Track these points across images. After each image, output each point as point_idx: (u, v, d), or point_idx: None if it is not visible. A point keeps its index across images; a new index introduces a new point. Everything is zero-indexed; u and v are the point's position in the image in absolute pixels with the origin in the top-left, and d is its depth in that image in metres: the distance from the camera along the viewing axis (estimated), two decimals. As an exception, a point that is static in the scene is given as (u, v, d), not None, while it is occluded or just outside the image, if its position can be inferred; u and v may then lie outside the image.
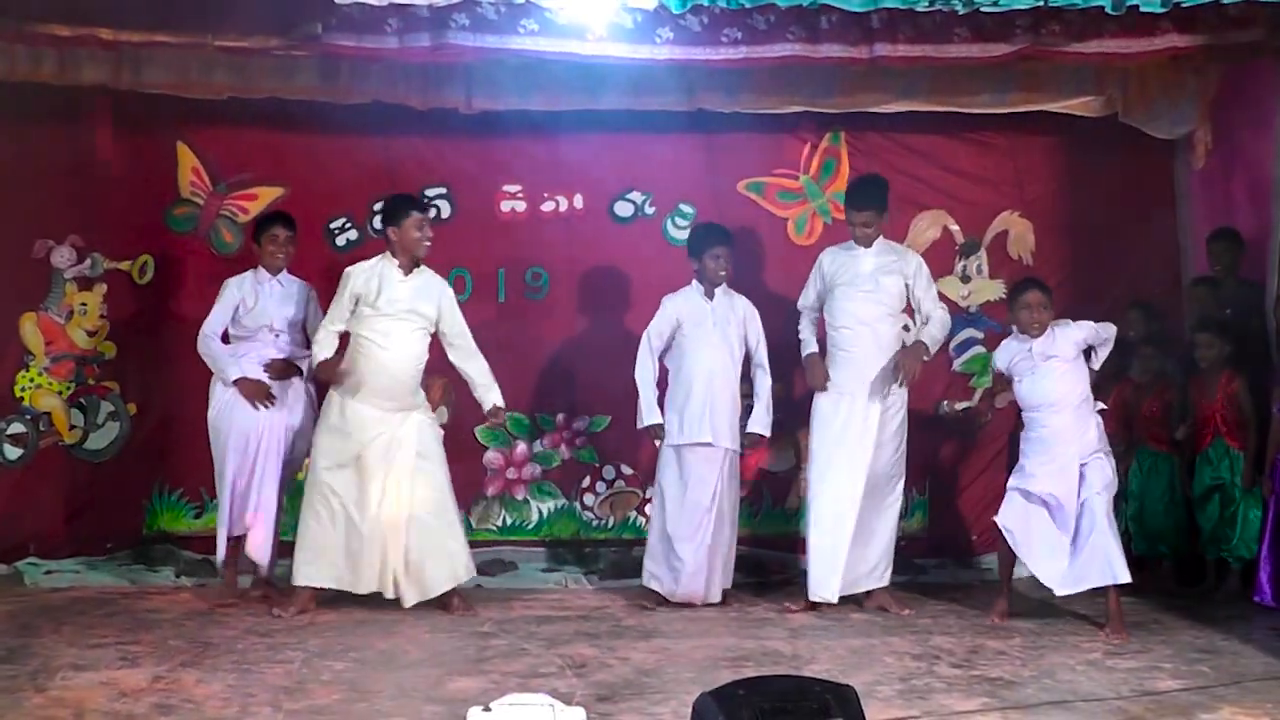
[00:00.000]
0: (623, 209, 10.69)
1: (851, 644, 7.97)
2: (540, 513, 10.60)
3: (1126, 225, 10.57)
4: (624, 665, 7.36)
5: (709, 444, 9.16)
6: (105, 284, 10.40)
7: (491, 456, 10.59)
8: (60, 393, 10.31)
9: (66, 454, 10.35)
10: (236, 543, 9.27)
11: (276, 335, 9.23)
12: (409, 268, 8.84)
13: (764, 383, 9.41)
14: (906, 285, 9.10)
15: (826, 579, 8.87)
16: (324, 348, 8.79)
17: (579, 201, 10.69)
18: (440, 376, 10.16)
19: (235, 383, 9.09)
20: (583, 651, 7.67)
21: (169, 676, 6.98)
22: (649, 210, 10.69)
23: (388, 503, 8.70)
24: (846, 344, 9.07)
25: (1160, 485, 9.77)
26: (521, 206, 10.68)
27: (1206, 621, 8.53)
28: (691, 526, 9.11)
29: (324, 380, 8.90)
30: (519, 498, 10.62)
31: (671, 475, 9.25)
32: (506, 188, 10.67)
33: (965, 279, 10.66)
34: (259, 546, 9.22)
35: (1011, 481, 8.71)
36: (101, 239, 10.42)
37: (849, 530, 8.87)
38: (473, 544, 10.27)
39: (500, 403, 9.05)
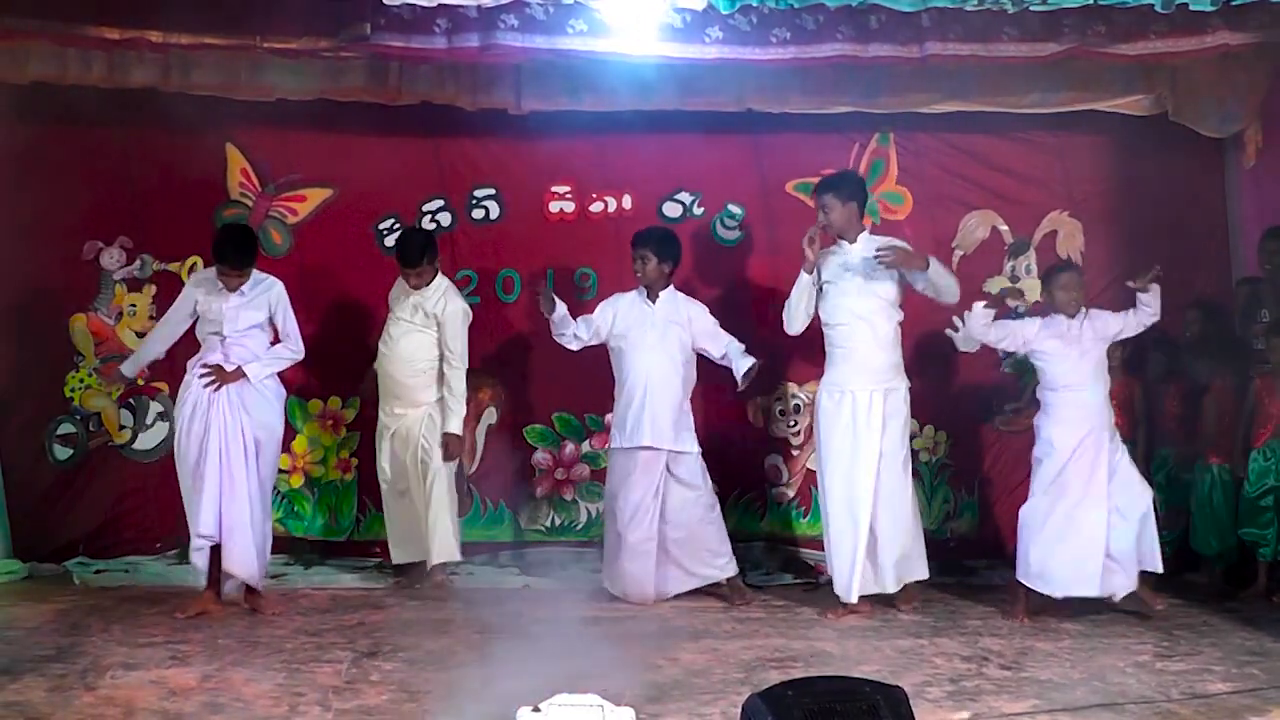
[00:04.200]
0: (671, 209, 10.64)
1: (900, 645, 7.96)
2: (589, 513, 10.55)
3: (1176, 225, 10.46)
4: (673, 666, 7.37)
5: (650, 447, 9.25)
6: (154, 285, 10.43)
7: (540, 457, 10.58)
8: (110, 393, 10.35)
9: (116, 454, 10.40)
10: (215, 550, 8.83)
11: (224, 340, 8.95)
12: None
13: (732, 344, 9.48)
14: (901, 276, 9.08)
15: (846, 579, 8.86)
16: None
17: (628, 202, 10.65)
18: (488, 377, 10.21)
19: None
20: (632, 651, 7.66)
21: (218, 675, 7.03)
22: (697, 211, 10.65)
23: (415, 484, 9.57)
24: (844, 340, 9.03)
25: (1205, 487, 9.70)
26: (570, 207, 10.66)
27: (1257, 624, 8.49)
28: (638, 528, 9.24)
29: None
30: (568, 498, 10.60)
31: (616, 479, 9.41)
32: (555, 188, 10.65)
33: (1014, 279, 10.58)
34: (239, 560, 8.81)
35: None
36: (151, 240, 10.47)
37: (864, 530, 8.85)
38: (522, 544, 10.41)
39: (454, 429, 9.52)
